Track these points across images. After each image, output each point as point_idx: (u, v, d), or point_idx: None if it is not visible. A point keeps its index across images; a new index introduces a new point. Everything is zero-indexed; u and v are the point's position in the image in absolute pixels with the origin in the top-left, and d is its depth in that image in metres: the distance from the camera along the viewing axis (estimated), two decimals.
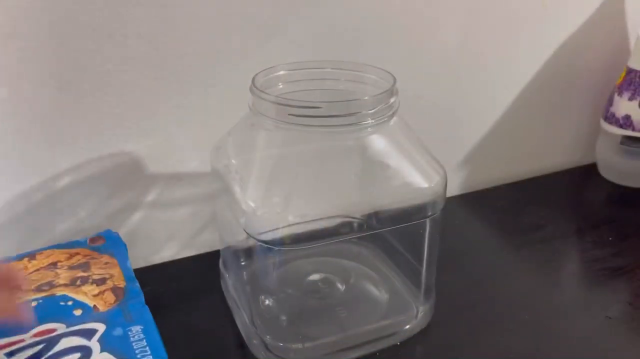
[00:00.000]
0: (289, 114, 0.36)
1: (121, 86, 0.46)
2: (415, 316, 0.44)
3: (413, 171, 0.39)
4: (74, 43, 0.43)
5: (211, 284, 0.48)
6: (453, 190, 0.65)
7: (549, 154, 0.69)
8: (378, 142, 0.38)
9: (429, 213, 0.39)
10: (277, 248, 0.37)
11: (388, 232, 0.47)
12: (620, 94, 0.62)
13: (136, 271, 0.45)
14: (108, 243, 0.47)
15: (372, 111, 0.37)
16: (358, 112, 0.37)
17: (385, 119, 0.38)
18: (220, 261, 0.48)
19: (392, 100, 0.39)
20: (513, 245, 0.55)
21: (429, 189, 0.39)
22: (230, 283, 0.46)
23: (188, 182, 0.51)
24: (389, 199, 0.38)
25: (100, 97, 0.45)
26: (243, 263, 0.45)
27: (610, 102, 0.64)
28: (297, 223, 0.36)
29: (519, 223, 0.58)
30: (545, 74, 0.63)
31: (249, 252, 0.44)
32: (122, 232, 0.50)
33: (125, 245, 0.47)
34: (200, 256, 0.53)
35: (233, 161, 0.40)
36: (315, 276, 0.48)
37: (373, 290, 0.47)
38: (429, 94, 0.58)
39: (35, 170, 0.46)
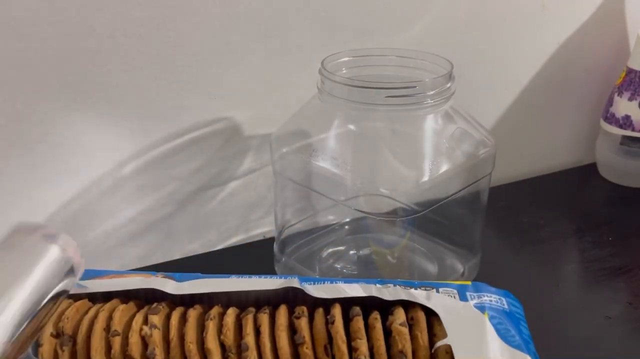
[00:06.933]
0: (387, 96, 0.40)
1: (122, 86, 0.46)
2: (462, 274, 0.48)
3: (472, 138, 0.44)
4: (75, 43, 0.43)
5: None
6: None
7: (549, 154, 0.69)
8: (437, 121, 0.43)
9: (487, 172, 0.45)
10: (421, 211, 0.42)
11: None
12: (620, 94, 0.62)
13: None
14: None
15: (432, 92, 0.41)
16: (420, 93, 0.40)
17: (443, 100, 0.42)
18: (275, 245, 0.49)
19: (449, 84, 0.42)
20: (513, 245, 0.55)
21: (486, 152, 0.44)
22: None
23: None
24: (455, 163, 0.42)
25: (101, 96, 0.45)
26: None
27: (610, 102, 0.64)
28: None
29: (519, 223, 0.58)
30: (545, 74, 0.63)
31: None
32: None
33: None
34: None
35: (313, 141, 0.43)
36: (365, 251, 0.51)
37: (422, 261, 0.50)
38: None
39: (39, 170, 0.46)
